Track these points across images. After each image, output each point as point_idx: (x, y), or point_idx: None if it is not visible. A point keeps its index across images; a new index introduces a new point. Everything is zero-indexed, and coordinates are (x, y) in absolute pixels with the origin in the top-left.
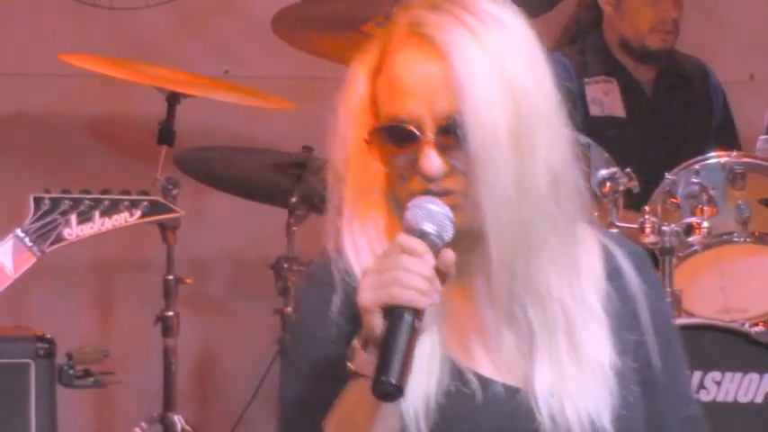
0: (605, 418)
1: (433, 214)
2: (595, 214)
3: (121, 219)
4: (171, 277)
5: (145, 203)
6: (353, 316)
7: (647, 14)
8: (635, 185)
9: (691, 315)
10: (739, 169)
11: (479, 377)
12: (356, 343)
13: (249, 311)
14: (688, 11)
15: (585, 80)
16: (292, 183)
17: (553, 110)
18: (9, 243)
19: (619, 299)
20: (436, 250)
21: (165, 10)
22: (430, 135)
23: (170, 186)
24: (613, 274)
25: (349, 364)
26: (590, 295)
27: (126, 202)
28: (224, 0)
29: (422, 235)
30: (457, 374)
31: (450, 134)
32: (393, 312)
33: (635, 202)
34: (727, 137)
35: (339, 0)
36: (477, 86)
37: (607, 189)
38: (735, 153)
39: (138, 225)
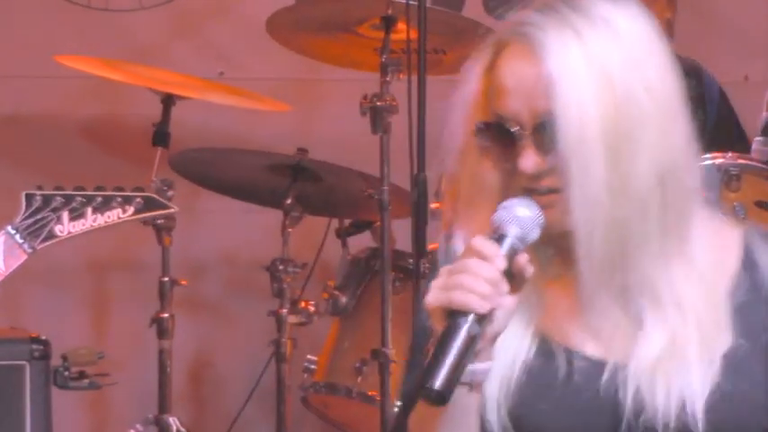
0: (698, 406)
1: (518, 217)
2: None
3: (114, 215)
4: (166, 279)
5: (138, 200)
6: None
7: None
8: None
9: None
10: (734, 171)
11: (567, 350)
12: (431, 343)
13: (244, 313)
14: (683, 12)
15: None
16: (287, 184)
17: (664, 111)
18: (0, 240)
19: (749, 289)
20: (514, 253)
21: (160, 12)
22: (527, 133)
23: (165, 188)
24: (748, 265)
25: (425, 362)
26: (712, 286)
27: (119, 199)
28: (219, 2)
29: (501, 237)
30: (545, 350)
31: (546, 133)
32: (451, 317)
33: None
34: (723, 135)
35: (334, 2)
36: (570, 86)
37: None
38: (730, 154)
39: (130, 221)
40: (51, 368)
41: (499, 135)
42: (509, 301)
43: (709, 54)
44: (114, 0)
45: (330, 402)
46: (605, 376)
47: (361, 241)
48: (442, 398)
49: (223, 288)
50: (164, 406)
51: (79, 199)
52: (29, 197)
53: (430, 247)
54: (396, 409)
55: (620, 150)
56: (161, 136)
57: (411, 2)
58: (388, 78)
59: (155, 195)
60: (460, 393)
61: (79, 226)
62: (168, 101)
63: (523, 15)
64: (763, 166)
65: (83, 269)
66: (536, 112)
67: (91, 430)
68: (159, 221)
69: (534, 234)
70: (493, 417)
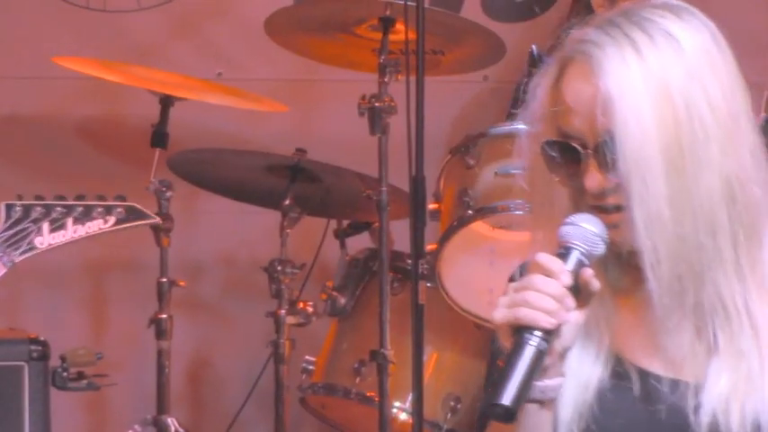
0: None
1: (583, 232)
2: None
3: (95, 226)
4: (164, 280)
5: (119, 209)
6: None
7: None
8: None
9: None
10: None
11: (640, 371)
12: (501, 359)
13: (242, 314)
14: None
15: None
16: (286, 185)
17: (727, 125)
18: None
19: None
20: (580, 267)
21: (158, 13)
22: (590, 152)
23: (163, 189)
24: None
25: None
26: None
27: (100, 209)
28: (217, 2)
29: (566, 252)
30: (618, 371)
31: (607, 151)
32: (518, 334)
33: None
34: None
35: (332, 3)
36: (628, 104)
37: None
38: None
39: (113, 232)
40: (50, 369)
41: (565, 153)
42: (576, 316)
43: None
44: (112, 1)
45: (328, 403)
46: (679, 397)
47: (360, 242)
48: (510, 414)
49: (221, 289)
50: (162, 406)
51: (59, 209)
52: (9, 207)
53: (428, 248)
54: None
55: (682, 166)
56: (159, 137)
57: (409, 3)
58: (386, 79)
59: (136, 205)
60: (532, 410)
61: (60, 237)
62: (166, 102)
63: (584, 32)
64: None
65: (81, 270)
66: (597, 130)
67: (89, 431)
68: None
69: (599, 249)
70: None
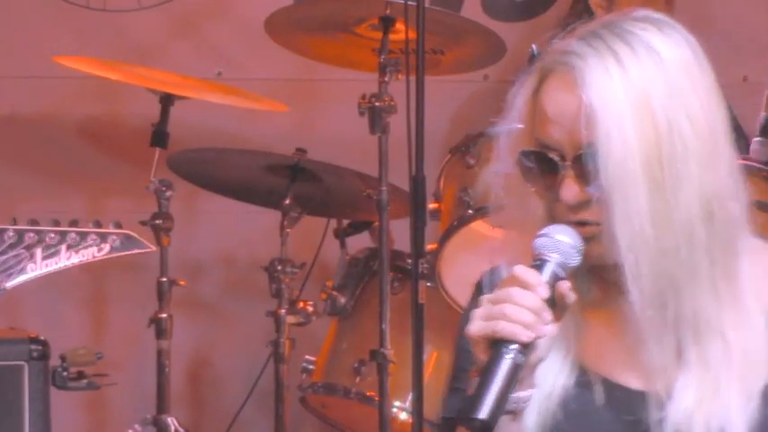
0: None
1: (559, 244)
2: None
3: (89, 254)
4: (164, 279)
5: (114, 237)
6: None
7: None
8: None
9: None
10: None
11: (606, 381)
12: (472, 370)
13: (243, 313)
14: (680, 12)
15: None
16: (286, 185)
17: (708, 140)
18: None
19: None
20: (556, 279)
21: (158, 12)
22: (568, 164)
23: (163, 188)
24: None
25: (464, 388)
26: (756, 317)
27: (94, 236)
28: (217, 2)
29: (541, 264)
30: (583, 381)
31: (586, 164)
32: (495, 347)
33: None
34: None
35: (332, 2)
36: (611, 118)
37: None
38: None
39: (106, 260)
40: (50, 368)
41: (542, 163)
42: (552, 329)
43: (707, 55)
44: (113, 0)
45: (328, 403)
46: (644, 408)
47: (360, 241)
48: (487, 427)
49: (221, 288)
50: (162, 406)
51: (53, 236)
52: (1, 232)
53: (428, 247)
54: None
55: (663, 181)
56: (159, 136)
57: (409, 2)
58: (386, 78)
59: (132, 234)
60: (503, 421)
61: (53, 264)
62: (167, 101)
63: (567, 43)
64: (762, 166)
65: (81, 269)
66: (577, 143)
67: (89, 430)
68: (158, 221)
69: (575, 261)
70: None
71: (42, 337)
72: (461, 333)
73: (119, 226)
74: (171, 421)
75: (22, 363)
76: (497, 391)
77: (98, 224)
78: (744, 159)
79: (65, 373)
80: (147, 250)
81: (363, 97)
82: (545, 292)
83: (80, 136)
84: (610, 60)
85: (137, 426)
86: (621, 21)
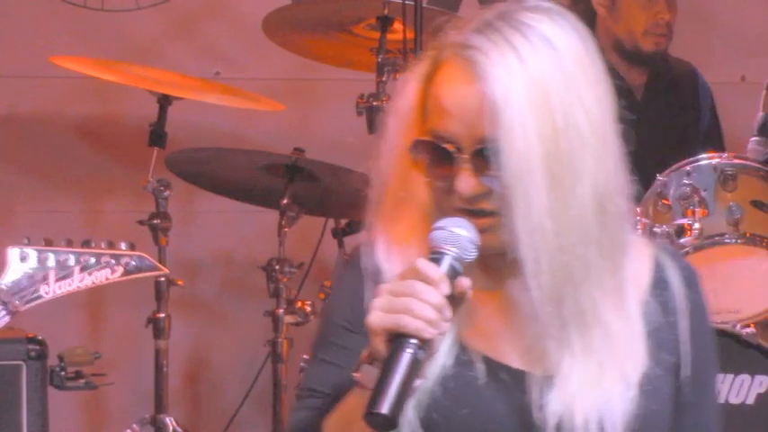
0: (616, 429)
1: (456, 237)
2: None
3: (102, 276)
4: (162, 279)
5: (127, 259)
6: None
7: (640, 17)
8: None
9: None
10: (730, 171)
11: (488, 360)
12: (364, 355)
13: (240, 313)
14: (680, 12)
15: None
16: (283, 184)
17: (600, 134)
18: None
19: (660, 310)
20: (454, 274)
21: (156, 12)
22: (466, 157)
23: (161, 188)
24: (659, 284)
25: (354, 374)
26: (633, 310)
27: (108, 258)
28: (215, 2)
29: (440, 257)
30: (463, 360)
31: (486, 158)
32: (397, 341)
33: None
34: (714, 140)
35: (330, 2)
36: (513, 112)
37: None
38: (726, 154)
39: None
40: (48, 368)
41: (435, 154)
42: (449, 325)
43: (705, 54)
44: (110, 0)
45: None
46: (527, 389)
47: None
48: (391, 423)
49: (219, 288)
50: (160, 406)
51: (67, 257)
52: (14, 253)
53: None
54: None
55: (561, 175)
56: (157, 136)
57: (407, 2)
58: (384, 78)
59: (146, 256)
60: None
61: (65, 287)
62: (164, 101)
63: (464, 36)
64: (760, 165)
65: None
66: (477, 136)
67: (87, 430)
68: (156, 221)
69: (472, 255)
70: (404, 426)
71: (40, 337)
72: (331, 305)
73: (132, 247)
74: (169, 421)
75: (20, 362)
76: (400, 386)
77: (111, 245)
78: (742, 159)
79: (63, 373)
80: (160, 273)
81: (361, 97)
82: (446, 289)
83: (78, 136)
84: (510, 55)
85: (135, 425)
86: (516, 12)
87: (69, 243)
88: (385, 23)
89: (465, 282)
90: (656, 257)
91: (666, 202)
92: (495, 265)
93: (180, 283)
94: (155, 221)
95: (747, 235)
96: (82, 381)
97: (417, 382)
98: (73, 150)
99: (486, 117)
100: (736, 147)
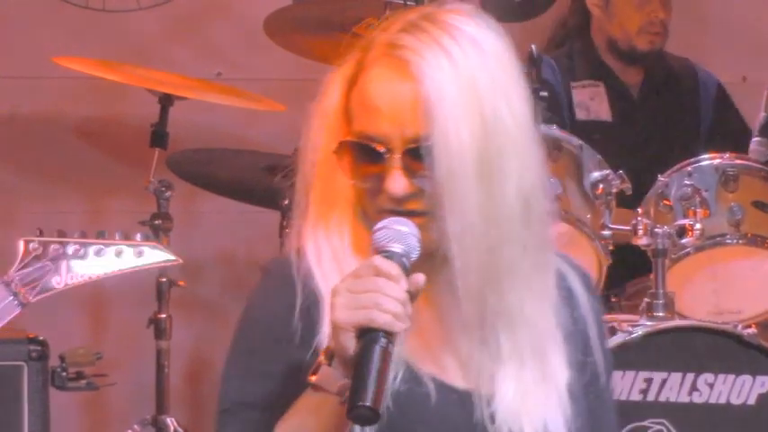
0: None
1: (401, 235)
2: (588, 216)
3: (115, 266)
4: (164, 279)
5: (140, 249)
6: (309, 320)
7: (634, 16)
8: (627, 187)
9: (683, 317)
10: (732, 171)
11: (435, 380)
12: (321, 357)
13: None
14: (680, 12)
15: (572, 84)
16: (285, 185)
17: (525, 133)
18: None
19: (570, 319)
20: (406, 271)
21: (157, 12)
22: (397, 157)
23: (163, 189)
24: (565, 294)
25: (310, 377)
26: (554, 313)
27: (121, 248)
28: (216, 2)
29: (391, 256)
30: (412, 377)
31: (418, 157)
32: (369, 335)
33: (624, 206)
34: (721, 136)
35: (331, 2)
36: (447, 112)
37: (600, 191)
38: (727, 155)
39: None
40: (49, 369)
41: (363, 155)
42: (409, 322)
43: (706, 55)
44: (112, 0)
45: None
46: (473, 407)
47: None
48: (376, 415)
49: (221, 288)
50: (161, 406)
51: (79, 248)
52: (27, 244)
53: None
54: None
55: (491, 174)
56: (159, 137)
57: (408, 2)
58: None
59: (158, 245)
60: (333, 406)
61: (78, 277)
62: (166, 101)
63: (393, 36)
64: (761, 166)
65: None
66: (409, 136)
67: (88, 431)
68: (157, 222)
69: (417, 252)
70: None
71: (41, 338)
72: (256, 317)
73: (146, 237)
74: (170, 421)
75: (22, 363)
76: (378, 378)
77: (125, 236)
78: (743, 159)
79: (64, 374)
80: (174, 262)
81: None
82: (405, 284)
83: (79, 136)
84: (441, 55)
85: (136, 426)
86: (440, 14)
87: (83, 235)
88: None
89: (420, 277)
90: (557, 267)
91: (668, 202)
92: (424, 267)
93: (181, 283)
94: (156, 222)
95: (749, 236)
96: (83, 381)
97: (391, 375)
98: (75, 151)
99: (419, 116)
100: (737, 147)
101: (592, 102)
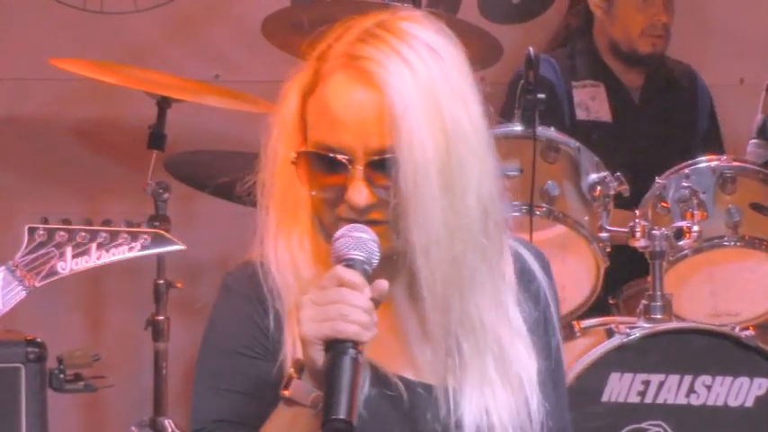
0: (534, 428)
1: (361, 242)
2: (585, 218)
3: (119, 252)
4: (161, 281)
5: (145, 236)
6: (274, 331)
7: (636, 19)
8: (625, 189)
9: (681, 319)
10: (729, 173)
11: (403, 379)
12: (290, 371)
13: None
14: (678, 15)
15: (573, 84)
16: None
17: (483, 141)
18: None
19: (531, 302)
20: (368, 278)
21: (155, 14)
22: (360, 168)
23: (161, 190)
24: (524, 276)
25: (283, 391)
26: (513, 311)
27: (125, 235)
28: (214, 4)
29: (352, 263)
30: (380, 379)
31: (381, 168)
32: (337, 347)
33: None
34: (712, 144)
35: (329, 4)
36: (412, 123)
37: (597, 193)
38: (725, 157)
39: (137, 258)
40: (47, 370)
41: (323, 166)
42: (376, 329)
43: (704, 57)
44: (109, 2)
45: None
46: (440, 403)
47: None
48: (351, 427)
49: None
50: (159, 408)
51: (84, 234)
52: (32, 230)
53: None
54: None
55: (453, 184)
56: (156, 138)
57: (406, 4)
58: None
59: (163, 232)
60: (307, 418)
61: (83, 263)
62: (164, 103)
63: (350, 46)
64: (759, 168)
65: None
66: (373, 148)
67: None
68: (155, 224)
69: (377, 258)
70: None
71: (39, 339)
72: (221, 333)
73: (151, 225)
74: (168, 423)
75: (19, 365)
76: (350, 390)
77: (129, 224)
78: (740, 161)
79: (62, 376)
80: (178, 248)
81: None
82: (369, 292)
83: (77, 138)
84: (401, 65)
85: (133, 428)
86: (395, 21)
87: (88, 222)
88: None
89: (383, 284)
90: (514, 249)
91: (665, 204)
92: (383, 271)
93: (179, 285)
94: (154, 224)
95: (746, 237)
96: (81, 383)
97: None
98: (72, 153)
99: (384, 128)
100: (734, 149)
101: (592, 102)
